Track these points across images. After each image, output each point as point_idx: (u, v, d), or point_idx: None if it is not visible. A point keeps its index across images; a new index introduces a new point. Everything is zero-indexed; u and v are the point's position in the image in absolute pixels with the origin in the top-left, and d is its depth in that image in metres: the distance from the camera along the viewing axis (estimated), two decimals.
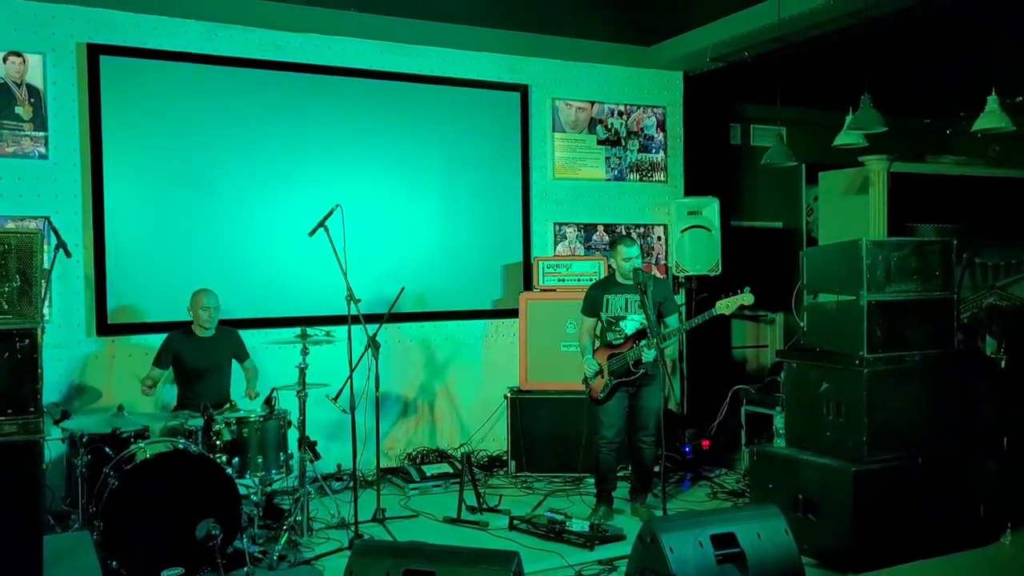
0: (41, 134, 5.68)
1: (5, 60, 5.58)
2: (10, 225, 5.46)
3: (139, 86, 5.96)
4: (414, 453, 6.69)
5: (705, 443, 6.81)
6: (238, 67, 6.23)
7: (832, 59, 6.96)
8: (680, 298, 7.27)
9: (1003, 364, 6.05)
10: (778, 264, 8.43)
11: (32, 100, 5.65)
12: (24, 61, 5.62)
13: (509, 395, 6.55)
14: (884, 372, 4.66)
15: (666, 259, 7.62)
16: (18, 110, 5.62)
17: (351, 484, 5.28)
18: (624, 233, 7.42)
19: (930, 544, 4.61)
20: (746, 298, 5.10)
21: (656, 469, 5.49)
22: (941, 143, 9.51)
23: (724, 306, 5.13)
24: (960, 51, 7.26)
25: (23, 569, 3.04)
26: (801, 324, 5.25)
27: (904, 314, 4.75)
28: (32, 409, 3.05)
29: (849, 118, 6.31)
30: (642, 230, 7.61)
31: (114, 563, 4.12)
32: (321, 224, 5.18)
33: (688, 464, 6.64)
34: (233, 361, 5.78)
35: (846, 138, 6.57)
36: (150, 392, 5.57)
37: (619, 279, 5.51)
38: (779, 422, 5.36)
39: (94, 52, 5.80)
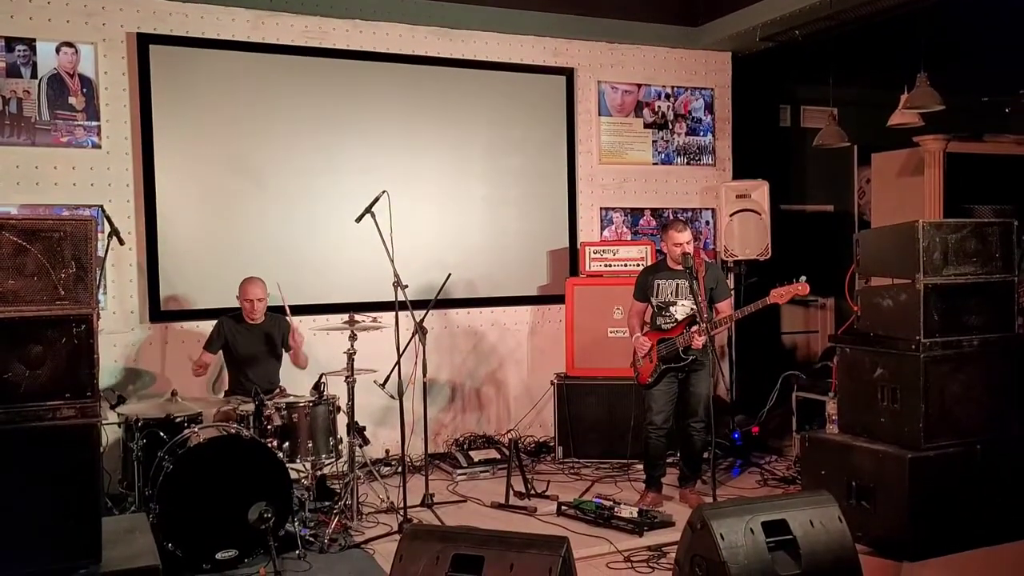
0: (94, 123, 5.77)
1: (58, 51, 5.67)
2: (65, 213, 5.56)
3: (187, 74, 6.02)
4: (461, 439, 6.71)
5: (755, 429, 6.73)
6: (284, 54, 6.26)
7: (886, 36, 6.78)
8: (729, 283, 7.17)
9: None
10: (829, 248, 8.28)
11: (85, 90, 5.74)
12: (76, 52, 5.71)
13: (556, 381, 6.53)
14: (941, 357, 4.55)
15: (714, 243, 7.52)
16: (71, 100, 5.71)
17: (400, 469, 5.32)
18: (673, 217, 7.33)
19: (988, 532, 4.51)
20: (801, 288, 5.01)
21: (705, 455, 5.45)
22: (1000, 122, 9.24)
23: (778, 295, 5.05)
24: (1019, 25, 7.02)
25: (83, 549, 3.10)
26: (854, 308, 5.14)
27: (962, 298, 4.63)
28: (89, 394, 3.10)
29: (904, 97, 6.15)
30: (690, 214, 7.52)
31: (169, 544, 4.19)
32: (368, 210, 5.20)
33: (737, 451, 6.57)
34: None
35: (901, 117, 6.41)
36: (201, 374, 5.65)
37: (670, 264, 5.45)
38: (831, 408, 5.27)
39: (144, 41, 5.87)
